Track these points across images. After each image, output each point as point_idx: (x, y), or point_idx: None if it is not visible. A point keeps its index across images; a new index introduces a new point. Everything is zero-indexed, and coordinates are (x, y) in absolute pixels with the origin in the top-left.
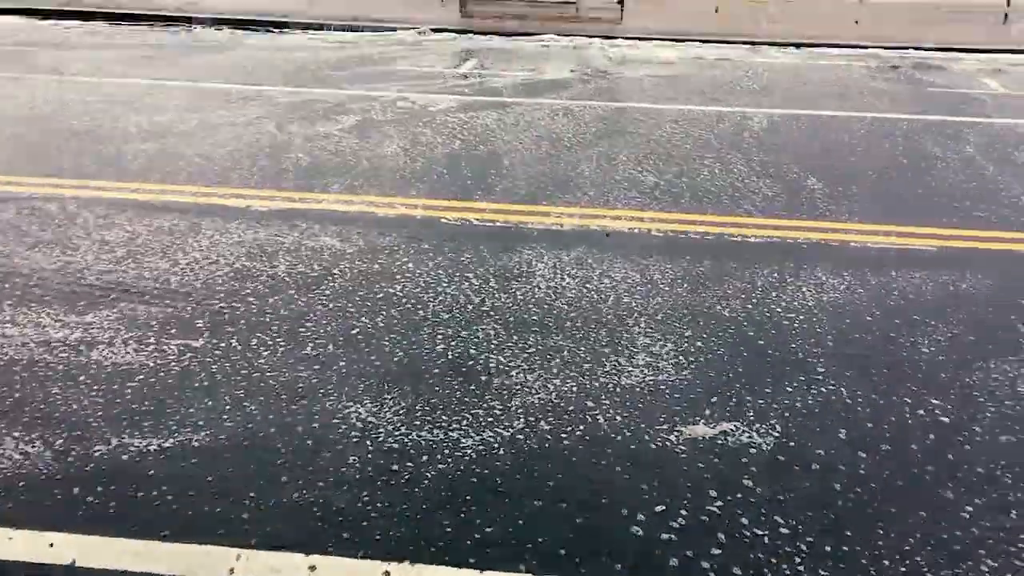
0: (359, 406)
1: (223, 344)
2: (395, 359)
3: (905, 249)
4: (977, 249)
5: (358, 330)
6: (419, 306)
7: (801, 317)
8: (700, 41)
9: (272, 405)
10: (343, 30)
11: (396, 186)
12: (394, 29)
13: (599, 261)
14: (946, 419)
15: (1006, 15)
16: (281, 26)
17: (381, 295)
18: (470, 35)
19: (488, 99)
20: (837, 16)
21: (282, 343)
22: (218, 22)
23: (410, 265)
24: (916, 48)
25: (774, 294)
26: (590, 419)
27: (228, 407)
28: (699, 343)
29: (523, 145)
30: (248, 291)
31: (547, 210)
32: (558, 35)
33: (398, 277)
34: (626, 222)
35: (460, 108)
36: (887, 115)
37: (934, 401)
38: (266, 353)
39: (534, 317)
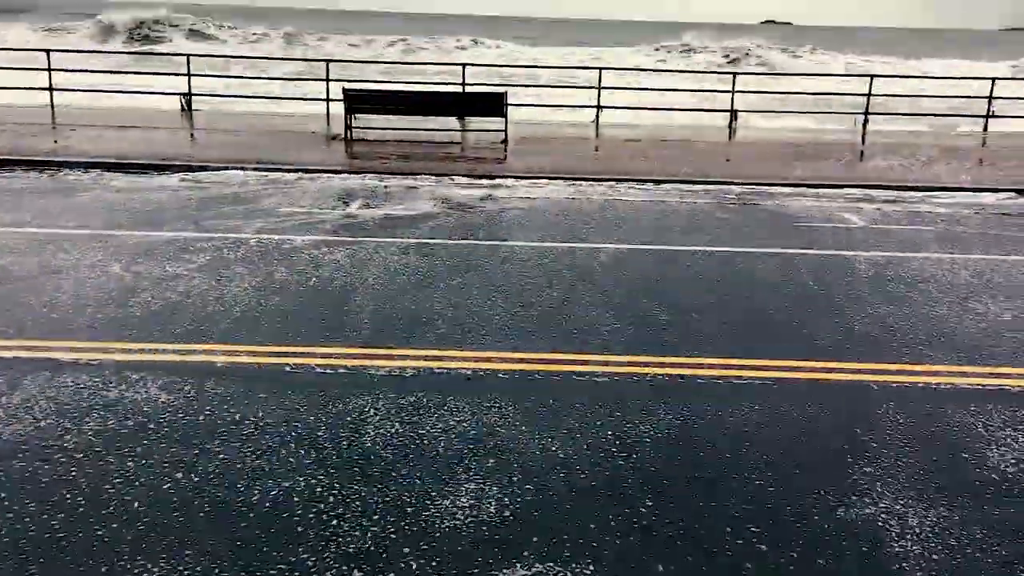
0: (155, 568)
1: (16, 507)
2: (203, 514)
3: (744, 382)
4: (817, 381)
5: (169, 486)
6: (239, 458)
7: (635, 455)
8: (577, 179)
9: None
10: (222, 170)
11: (240, 330)
12: (274, 169)
13: (437, 405)
14: (764, 547)
15: (862, 152)
16: (160, 168)
17: (198, 450)
18: (351, 175)
19: (350, 238)
20: (711, 154)
21: (83, 503)
22: (89, 166)
23: (237, 416)
24: (780, 184)
25: (610, 433)
26: (404, 565)
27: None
28: (528, 485)
29: (378, 284)
30: (55, 449)
31: (391, 353)
32: (440, 174)
33: (221, 430)
34: (472, 363)
35: (320, 246)
36: (743, 248)
37: (753, 529)
38: (60, 516)
39: (359, 465)
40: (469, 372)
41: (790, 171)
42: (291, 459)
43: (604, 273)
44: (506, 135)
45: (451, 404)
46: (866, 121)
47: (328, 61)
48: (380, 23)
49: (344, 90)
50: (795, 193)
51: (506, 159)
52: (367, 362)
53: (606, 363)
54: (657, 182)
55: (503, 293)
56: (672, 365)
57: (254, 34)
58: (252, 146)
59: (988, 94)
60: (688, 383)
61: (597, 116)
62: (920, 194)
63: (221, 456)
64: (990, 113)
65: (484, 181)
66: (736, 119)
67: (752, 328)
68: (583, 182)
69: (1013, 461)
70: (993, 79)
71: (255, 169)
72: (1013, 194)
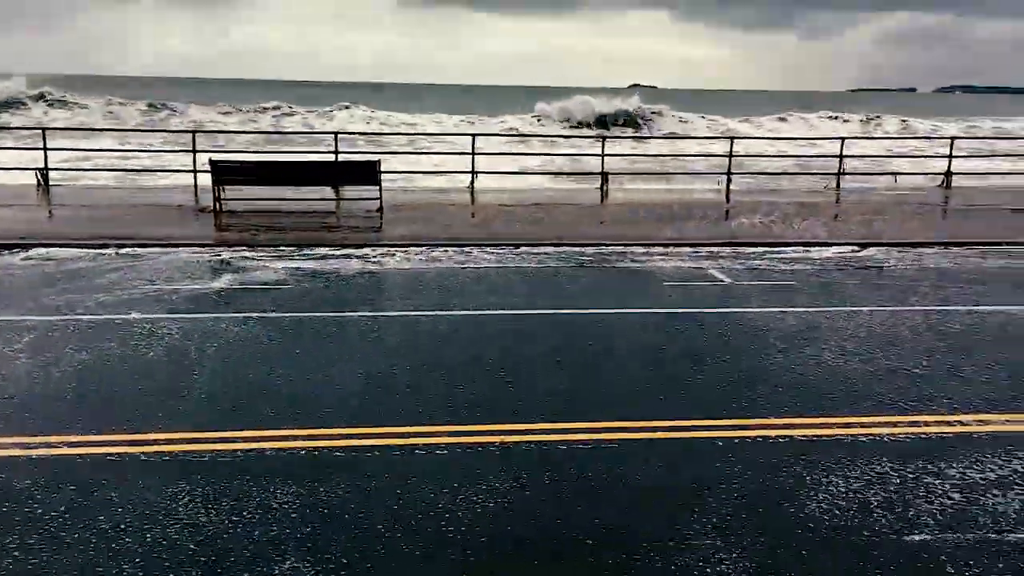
0: None
1: None
2: None
3: (579, 447)
4: (654, 440)
5: None
6: (32, 554)
7: (424, 546)
8: (453, 245)
9: None
10: (73, 247)
11: (53, 417)
12: (133, 244)
13: (263, 488)
14: None
15: (727, 211)
16: (8, 247)
17: None
18: (216, 248)
19: (200, 313)
20: (584, 217)
21: None
22: None
23: (37, 510)
24: (650, 244)
25: (440, 506)
26: None
27: None
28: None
29: (215, 359)
30: None
31: (220, 435)
32: (311, 245)
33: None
34: (305, 442)
35: (165, 323)
36: (612, 310)
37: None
38: None
39: (165, 559)
40: (303, 451)
41: (660, 231)
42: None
43: (465, 341)
44: (381, 203)
45: (280, 485)
46: (729, 181)
47: (195, 132)
48: (252, 91)
49: (211, 161)
50: (664, 253)
51: (381, 228)
52: (192, 447)
53: (453, 434)
54: (531, 245)
55: (351, 365)
56: (517, 432)
57: (120, 103)
58: (111, 220)
59: (839, 153)
60: (532, 449)
61: (472, 182)
62: (779, 249)
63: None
64: (841, 171)
65: (356, 251)
66: (607, 182)
67: (602, 389)
68: (458, 248)
69: (834, 510)
70: (843, 139)
71: (111, 245)
72: (857, 247)
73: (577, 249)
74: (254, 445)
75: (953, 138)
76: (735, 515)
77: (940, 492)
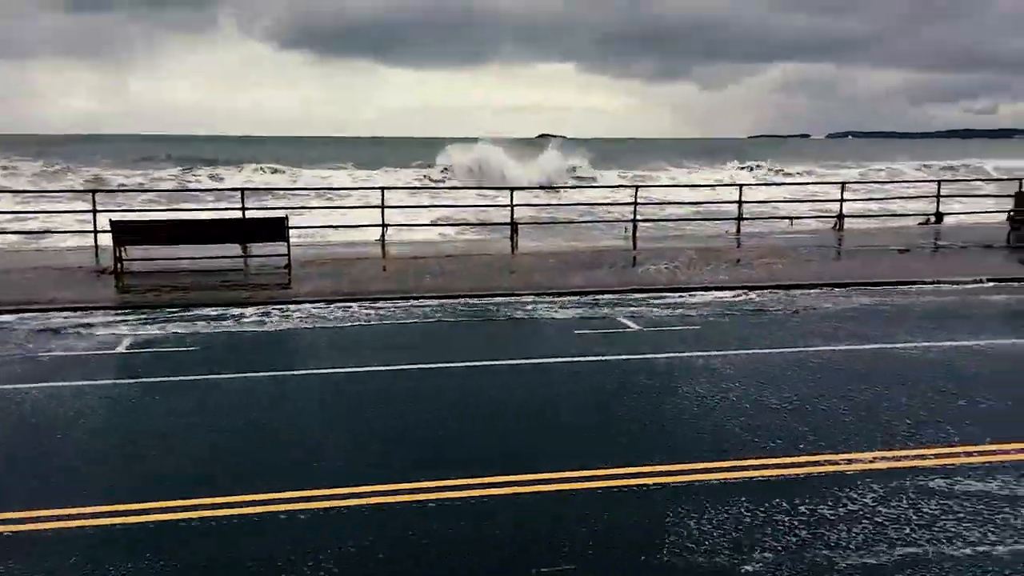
0: None
1: None
2: None
3: (450, 504)
4: (519, 494)
5: None
6: None
7: None
8: (362, 300)
9: None
10: None
11: None
12: (18, 310)
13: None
14: None
15: (634, 258)
16: None
17: None
18: (113, 311)
19: (77, 381)
20: (494, 268)
21: None
22: None
23: None
24: (560, 293)
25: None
26: None
27: None
28: None
29: (85, 430)
30: None
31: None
32: (216, 304)
33: None
34: (139, 517)
35: (31, 392)
36: (523, 360)
37: None
38: None
39: None
40: (152, 525)
41: (569, 280)
42: None
43: (358, 399)
44: (289, 260)
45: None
46: (635, 229)
47: (95, 191)
48: (156, 147)
49: (111, 221)
50: (573, 302)
51: (288, 284)
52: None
53: (329, 497)
54: (440, 298)
55: (216, 428)
56: (387, 493)
57: (15, 162)
58: (8, 285)
59: (739, 198)
60: (402, 507)
61: (383, 235)
62: (683, 295)
63: None
64: (741, 215)
65: (262, 308)
66: (517, 232)
67: (501, 442)
68: (367, 303)
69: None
70: (740, 185)
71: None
72: (751, 291)
73: (487, 300)
74: (89, 522)
75: (843, 183)
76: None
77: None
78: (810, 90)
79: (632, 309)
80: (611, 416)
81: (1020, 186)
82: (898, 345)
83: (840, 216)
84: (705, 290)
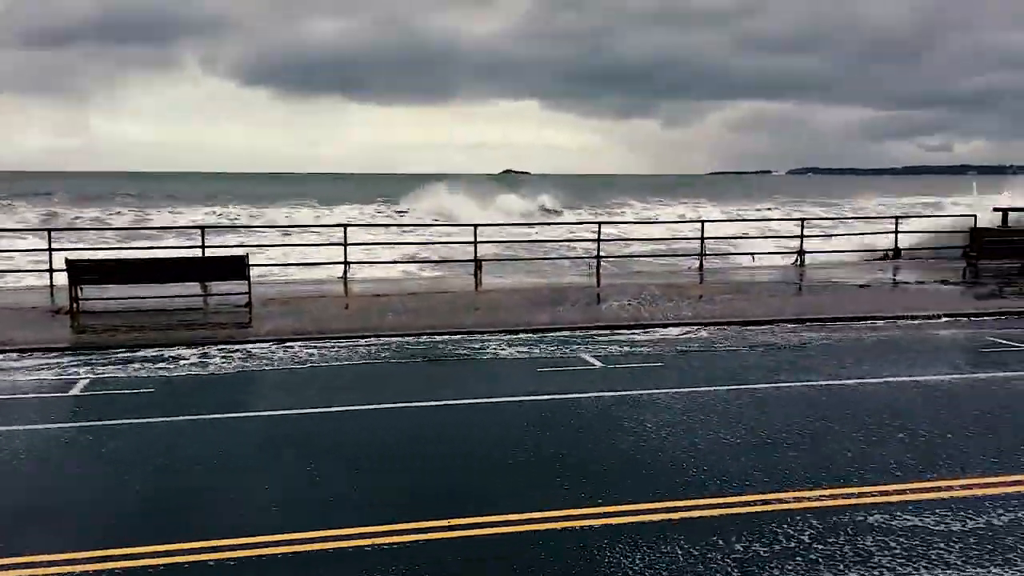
0: None
1: None
2: None
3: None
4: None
5: None
6: None
7: None
8: (325, 339)
9: None
10: None
11: None
12: None
13: None
14: None
15: (598, 295)
16: None
17: None
18: (69, 352)
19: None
20: (459, 305)
21: None
22: None
23: None
24: (525, 330)
25: None
26: None
27: None
28: None
29: (24, 476)
30: None
31: None
32: (175, 344)
33: None
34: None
35: None
36: (483, 399)
37: None
38: None
39: None
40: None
41: (534, 317)
42: None
43: (307, 441)
44: (249, 298)
45: None
46: (598, 265)
47: (51, 229)
48: (118, 184)
49: (67, 260)
50: (537, 339)
51: (250, 323)
52: None
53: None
54: (403, 335)
55: (148, 475)
56: (323, 539)
57: None
58: None
59: (701, 235)
60: (338, 553)
61: (345, 272)
62: (647, 331)
63: None
64: (704, 252)
65: (220, 347)
66: (482, 269)
67: (451, 486)
68: (329, 342)
69: None
70: (703, 221)
71: None
72: (712, 326)
73: (449, 338)
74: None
75: (803, 219)
76: None
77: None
78: (772, 127)
79: (594, 346)
80: (552, 455)
81: (975, 223)
82: (850, 381)
83: (800, 252)
84: (664, 326)
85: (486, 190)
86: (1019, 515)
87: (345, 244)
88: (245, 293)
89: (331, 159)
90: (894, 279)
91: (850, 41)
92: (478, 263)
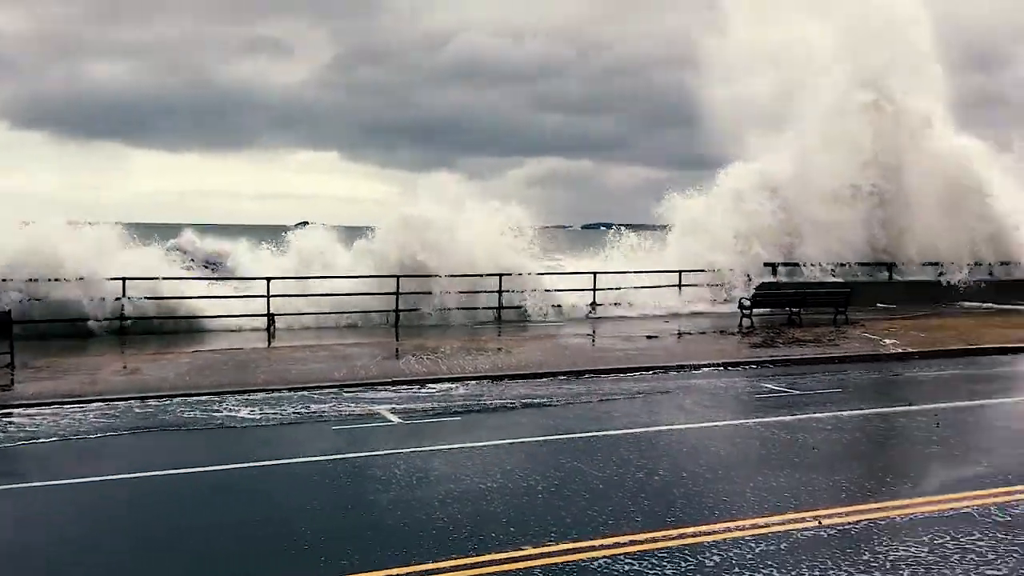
0: None
1: None
2: None
3: None
4: None
5: None
6: None
7: None
8: (94, 400)
9: None
10: None
11: None
12: None
13: None
14: None
15: (397, 350)
16: None
17: None
18: None
19: None
20: (253, 361)
21: None
22: None
23: None
24: (325, 386)
25: None
26: None
27: None
28: None
29: None
30: None
31: None
32: None
33: None
34: None
35: None
36: (269, 462)
37: None
38: None
39: None
40: None
41: (335, 372)
42: None
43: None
44: (12, 358)
45: None
46: (397, 319)
47: None
48: None
49: None
50: (333, 395)
51: (11, 386)
52: None
53: None
54: (186, 395)
55: None
56: None
57: None
58: None
59: (499, 288)
60: None
61: (121, 324)
62: (444, 386)
63: None
64: (500, 305)
65: None
66: (274, 323)
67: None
68: (102, 403)
69: None
70: (501, 276)
71: None
72: (482, 380)
73: (243, 396)
74: None
75: (595, 272)
76: None
77: None
78: (568, 184)
79: (393, 403)
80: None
81: (749, 276)
82: (650, 428)
83: (593, 304)
84: (453, 380)
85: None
86: (730, 554)
87: (124, 297)
88: (7, 352)
89: (114, 205)
90: (679, 330)
91: (640, 106)
92: (271, 317)
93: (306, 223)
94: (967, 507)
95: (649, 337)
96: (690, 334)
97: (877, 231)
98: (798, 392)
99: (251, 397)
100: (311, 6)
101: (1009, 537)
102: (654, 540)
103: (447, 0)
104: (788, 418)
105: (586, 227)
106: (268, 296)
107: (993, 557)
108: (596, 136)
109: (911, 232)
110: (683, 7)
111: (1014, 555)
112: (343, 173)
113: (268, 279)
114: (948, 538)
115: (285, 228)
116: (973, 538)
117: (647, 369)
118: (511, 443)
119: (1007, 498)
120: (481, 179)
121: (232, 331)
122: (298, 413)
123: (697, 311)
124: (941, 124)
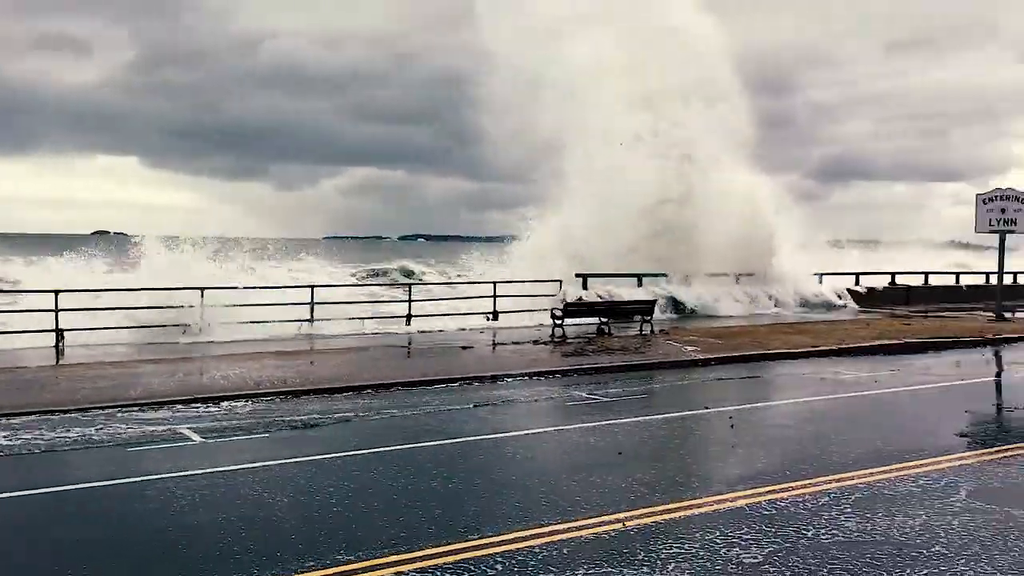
0: None
1: None
2: None
3: None
4: None
5: None
6: None
7: None
8: None
9: None
10: None
11: None
12: None
13: None
14: None
15: (201, 369)
16: None
17: None
18: None
19: None
20: (34, 382)
21: None
22: None
23: None
24: (112, 406)
25: None
26: None
27: None
28: None
29: None
30: None
31: None
32: None
33: None
34: None
35: None
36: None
37: None
38: None
39: None
40: None
41: (125, 392)
42: None
43: None
44: None
45: None
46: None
47: None
48: None
49: None
50: (134, 415)
51: None
52: None
53: None
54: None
55: None
56: None
57: None
58: None
59: (311, 300)
60: None
61: None
62: (255, 400)
63: None
64: (313, 317)
65: None
66: (64, 338)
67: None
68: None
69: None
70: (312, 286)
71: None
72: (301, 395)
73: (20, 420)
74: None
75: (410, 284)
76: None
77: None
78: (384, 194)
79: (196, 421)
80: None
81: (561, 287)
82: (457, 439)
83: (409, 316)
84: (252, 397)
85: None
86: (513, 562)
87: None
88: None
89: None
90: (494, 341)
91: (456, 117)
92: (59, 332)
93: (102, 232)
94: (743, 504)
95: (463, 348)
96: (504, 344)
97: (676, 265)
98: (607, 399)
99: (29, 420)
100: (109, 2)
101: (772, 529)
102: (442, 555)
103: (260, 3)
104: (594, 424)
105: (403, 238)
106: (57, 310)
107: (754, 547)
108: (412, 146)
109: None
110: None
111: (772, 544)
112: (144, 180)
113: (56, 292)
114: (718, 533)
115: (78, 238)
116: (740, 531)
117: (454, 380)
118: (312, 459)
119: (779, 494)
120: (294, 188)
121: (17, 349)
122: (85, 436)
123: (511, 324)
124: (731, 159)
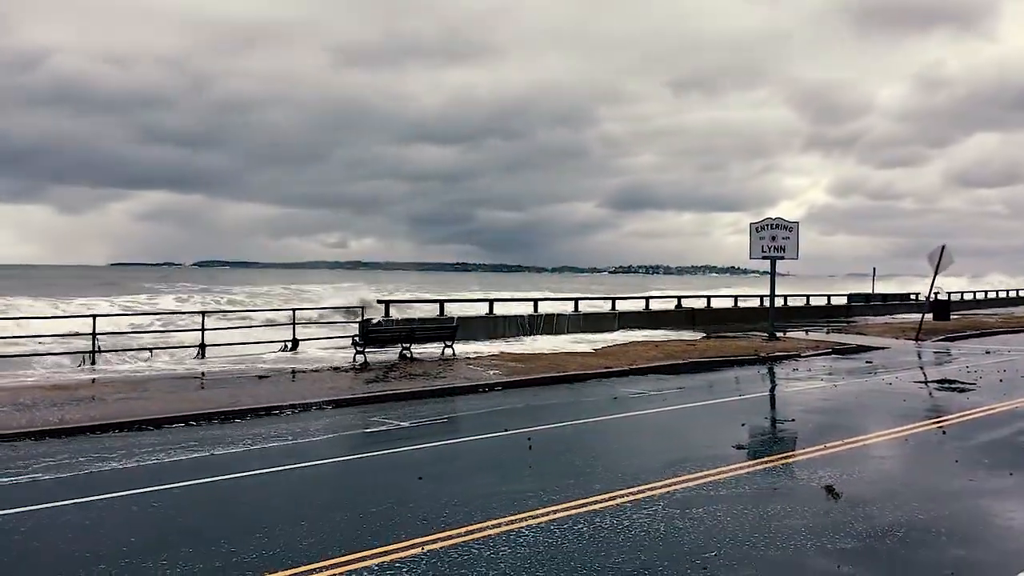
0: None
1: None
2: None
3: None
4: None
5: None
6: None
7: None
8: None
9: None
10: None
11: None
12: None
13: None
14: None
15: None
16: None
17: None
18: None
19: None
20: None
21: None
22: None
23: None
24: None
25: None
26: None
27: None
28: None
29: None
30: None
31: None
32: None
33: None
34: None
35: None
36: None
37: None
38: None
39: None
40: None
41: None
42: None
43: None
44: None
45: None
46: None
47: None
48: None
49: None
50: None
51: None
52: None
53: None
54: None
55: None
56: None
57: None
58: None
59: (92, 331)
60: None
61: None
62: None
63: None
64: (96, 349)
65: None
66: None
67: None
68: None
69: None
70: (95, 316)
71: None
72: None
73: None
74: None
75: (204, 312)
76: None
77: None
78: (178, 219)
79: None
80: None
81: (362, 314)
82: (231, 475)
83: (203, 345)
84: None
85: None
86: None
87: None
88: None
89: None
90: (294, 369)
91: (251, 141)
92: None
93: None
94: (529, 524)
95: (261, 377)
96: (303, 372)
97: None
98: (407, 425)
99: None
100: None
101: (540, 551)
102: None
103: (40, 16)
104: (391, 451)
105: (200, 264)
106: None
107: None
108: (207, 170)
109: None
110: (297, 46)
111: (538, 568)
112: None
113: None
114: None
115: None
116: (505, 552)
117: (251, 411)
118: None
119: (555, 515)
120: (76, 212)
121: None
122: None
123: (311, 355)
124: None
